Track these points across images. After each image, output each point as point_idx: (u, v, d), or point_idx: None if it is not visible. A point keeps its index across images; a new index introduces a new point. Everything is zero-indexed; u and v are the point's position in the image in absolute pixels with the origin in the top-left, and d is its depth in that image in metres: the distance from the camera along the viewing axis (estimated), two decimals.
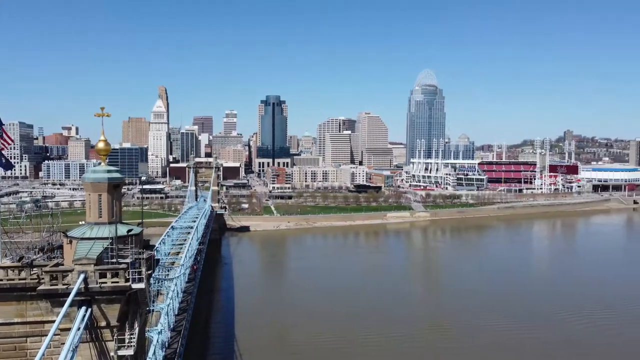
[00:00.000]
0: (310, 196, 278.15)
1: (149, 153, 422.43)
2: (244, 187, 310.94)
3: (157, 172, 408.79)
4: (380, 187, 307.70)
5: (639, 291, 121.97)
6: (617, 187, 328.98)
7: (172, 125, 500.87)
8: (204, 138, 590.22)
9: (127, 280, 29.58)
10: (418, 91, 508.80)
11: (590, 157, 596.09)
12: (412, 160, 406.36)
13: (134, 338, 30.48)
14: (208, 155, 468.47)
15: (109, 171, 34.12)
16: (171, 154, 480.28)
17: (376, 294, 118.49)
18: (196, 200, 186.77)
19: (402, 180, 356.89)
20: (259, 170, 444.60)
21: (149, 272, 31.54)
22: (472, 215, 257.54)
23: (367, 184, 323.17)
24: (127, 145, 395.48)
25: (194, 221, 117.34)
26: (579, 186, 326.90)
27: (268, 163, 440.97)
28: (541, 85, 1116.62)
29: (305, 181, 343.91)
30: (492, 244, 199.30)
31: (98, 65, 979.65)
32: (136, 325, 31.53)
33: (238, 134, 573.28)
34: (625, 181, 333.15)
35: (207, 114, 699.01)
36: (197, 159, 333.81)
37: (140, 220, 36.21)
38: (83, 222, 34.29)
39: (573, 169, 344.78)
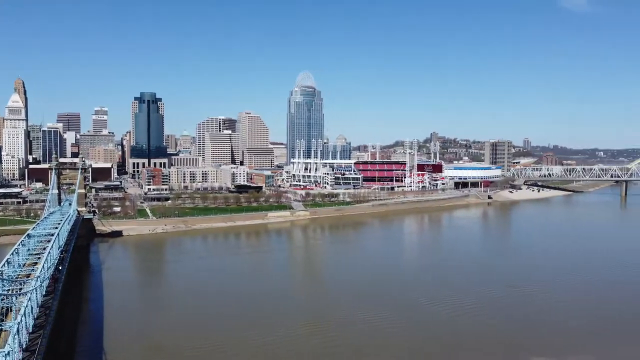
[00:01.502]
0: (189, 197, 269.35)
1: (3, 153, 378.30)
2: (116, 189, 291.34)
3: (13, 174, 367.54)
4: (261, 187, 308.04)
5: (492, 277, 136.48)
6: (475, 184, 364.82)
7: (32, 122, 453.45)
8: (70, 136, 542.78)
9: None
10: (297, 92, 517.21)
11: (452, 156, 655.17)
12: (292, 160, 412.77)
13: None
14: (75, 155, 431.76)
15: None
16: (31, 154, 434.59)
17: (256, 292, 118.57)
18: (59, 204, 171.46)
19: (282, 180, 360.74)
20: (134, 171, 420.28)
21: None
22: (349, 212, 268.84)
23: (248, 184, 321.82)
24: None
25: (56, 227, 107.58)
26: (443, 183, 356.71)
27: (143, 163, 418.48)
28: (409, 89, 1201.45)
29: (184, 182, 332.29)
30: (368, 240, 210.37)
31: None
32: None
33: (109, 133, 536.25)
34: (482, 178, 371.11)
35: (73, 111, 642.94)
36: (62, 159, 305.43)
37: None
38: None
39: (438, 168, 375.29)
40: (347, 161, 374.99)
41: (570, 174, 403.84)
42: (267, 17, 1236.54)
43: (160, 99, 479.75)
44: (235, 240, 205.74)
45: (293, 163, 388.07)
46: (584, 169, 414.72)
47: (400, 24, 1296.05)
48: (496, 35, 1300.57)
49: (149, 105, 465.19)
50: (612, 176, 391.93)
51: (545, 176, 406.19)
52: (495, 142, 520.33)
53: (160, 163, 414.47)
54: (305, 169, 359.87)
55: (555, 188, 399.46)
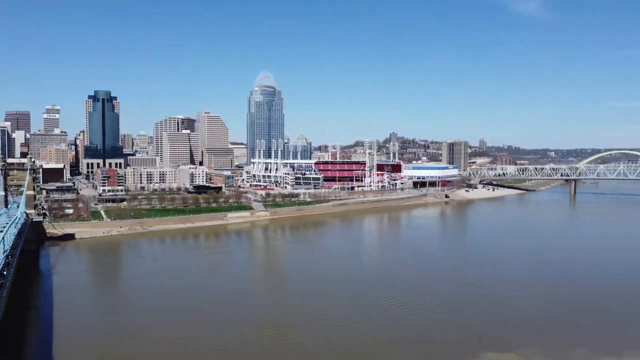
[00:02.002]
0: (146, 199, 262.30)
1: None
2: (69, 190, 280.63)
3: None
4: (220, 188, 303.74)
5: (450, 275, 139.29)
6: (433, 184, 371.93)
7: None
8: (19, 136, 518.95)
9: None
10: (257, 92, 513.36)
11: (411, 156, 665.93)
12: (252, 160, 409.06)
13: None
14: (24, 155, 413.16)
15: None
16: None
17: (215, 294, 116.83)
18: (6, 206, 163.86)
19: (242, 180, 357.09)
20: (88, 172, 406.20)
21: None
22: (310, 212, 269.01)
23: (208, 185, 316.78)
24: None
25: (1, 231, 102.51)
26: (402, 183, 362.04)
27: (98, 164, 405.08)
28: (369, 90, 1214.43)
29: (141, 183, 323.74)
30: (328, 239, 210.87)
31: None
32: None
33: (62, 132, 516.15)
34: (439, 178, 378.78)
35: (23, 109, 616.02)
36: (9, 160, 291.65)
37: None
38: None
39: (397, 168, 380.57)
40: (308, 161, 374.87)
41: (523, 173, 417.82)
42: (225, 16, 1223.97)
43: (115, 98, 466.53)
44: (193, 242, 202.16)
45: (253, 163, 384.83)
46: (536, 168, 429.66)
47: (359, 25, 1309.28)
48: (451, 38, 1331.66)
49: (104, 104, 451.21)
50: (562, 175, 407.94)
51: (499, 175, 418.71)
52: (453, 143, 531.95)
53: (116, 163, 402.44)
54: (266, 169, 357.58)
55: (509, 187, 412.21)
